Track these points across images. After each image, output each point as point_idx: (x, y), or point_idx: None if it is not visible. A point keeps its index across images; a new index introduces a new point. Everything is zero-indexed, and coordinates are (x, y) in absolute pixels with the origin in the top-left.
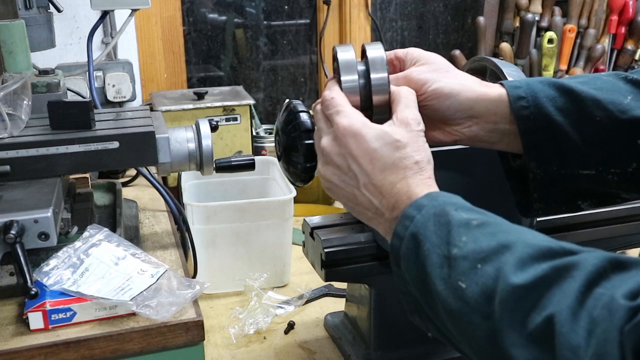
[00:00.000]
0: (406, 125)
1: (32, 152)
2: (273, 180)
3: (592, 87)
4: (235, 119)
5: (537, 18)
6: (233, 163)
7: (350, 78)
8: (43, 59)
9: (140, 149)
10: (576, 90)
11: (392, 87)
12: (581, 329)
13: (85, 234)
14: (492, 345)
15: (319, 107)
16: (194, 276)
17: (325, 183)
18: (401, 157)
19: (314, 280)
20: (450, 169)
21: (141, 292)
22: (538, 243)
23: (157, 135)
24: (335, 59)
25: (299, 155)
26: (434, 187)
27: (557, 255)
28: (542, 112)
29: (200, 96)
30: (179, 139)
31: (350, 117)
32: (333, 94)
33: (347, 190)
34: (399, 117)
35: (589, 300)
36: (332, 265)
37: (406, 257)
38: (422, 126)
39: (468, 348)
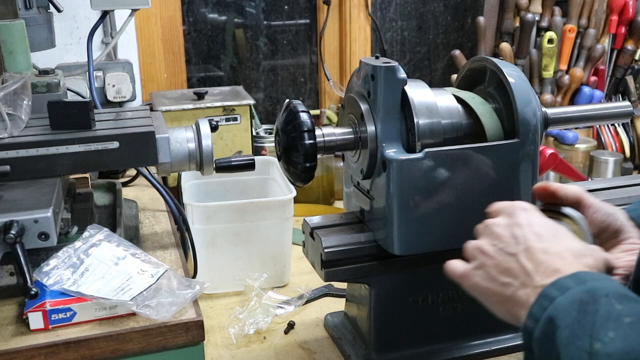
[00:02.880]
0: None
1: (32, 152)
2: (273, 180)
3: None
4: (235, 119)
5: (537, 18)
6: (233, 163)
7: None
8: (43, 59)
9: (140, 149)
10: None
11: None
12: None
13: (85, 234)
14: None
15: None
16: (194, 276)
17: (477, 256)
18: (569, 244)
19: (314, 280)
20: (451, 168)
21: (141, 292)
22: None
23: (157, 135)
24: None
25: (299, 155)
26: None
27: None
28: None
29: (200, 96)
30: (179, 139)
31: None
32: None
33: (499, 259)
34: None
35: None
36: (332, 265)
37: (540, 343)
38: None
39: None
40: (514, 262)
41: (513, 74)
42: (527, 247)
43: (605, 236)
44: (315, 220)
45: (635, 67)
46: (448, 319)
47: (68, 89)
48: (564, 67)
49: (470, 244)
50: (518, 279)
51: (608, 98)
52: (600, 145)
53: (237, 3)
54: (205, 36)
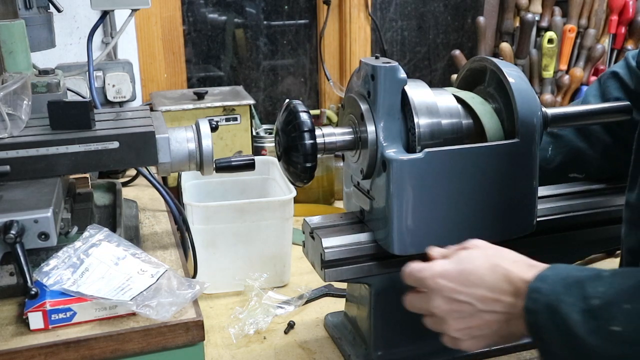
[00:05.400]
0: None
1: (32, 152)
2: (273, 180)
3: None
4: (235, 119)
5: (537, 18)
6: (233, 163)
7: None
8: (43, 59)
9: (140, 149)
10: None
11: None
12: None
13: (85, 234)
14: None
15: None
16: (194, 276)
17: (455, 334)
18: (492, 263)
19: (314, 280)
20: (451, 168)
21: (141, 292)
22: None
23: (157, 135)
24: None
25: (299, 155)
26: (541, 265)
27: None
28: None
29: (200, 96)
30: (179, 139)
31: (425, 266)
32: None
33: (473, 322)
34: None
35: None
36: (332, 265)
37: (546, 328)
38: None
39: None
40: (484, 315)
41: (513, 74)
42: (479, 298)
43: None
44: (315, 220)
45: None
46: None
47: (68, 89)
48: (564, 67)
49: (430, 321)
50: (501, 317)
51: None
52: None
53: (237, 3)
54: (205, 36)
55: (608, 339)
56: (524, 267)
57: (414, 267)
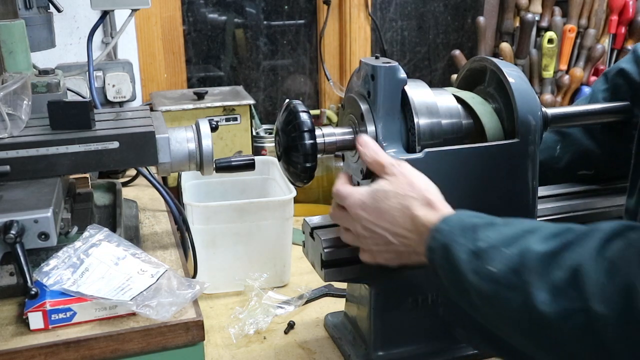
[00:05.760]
0: (385, 172)
1: (32, 152)
2: (273, 180)
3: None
4: (235, 119)
5: (537, 18)
6: (233, 163)
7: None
8: (43, 59)
9: (140, 149)
10: None
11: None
12: (604, 271)
13: (85, 234)
14: (527, 312)
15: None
16: (194, 276)
17: (371, 251)
18: (391, 203)
19: (314, 280)
20: (451, 168)
21: (141, 292)
22: (559, 225)
23: (157, 135)
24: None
25: (299, 155)
26: (448, 208)
27: (577, 228)
28: None
29: (200, 96)
30: (179, 139)
31: (348, 194)
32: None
33: (386, 248)
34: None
35: (607, 250)
36: (332, 265)
37: (440, 265)
38: (398, 161)
39: (507, 328)
40: (396, 246)
41: (513, 74)
42: (392, 234)
43: None
44: (315, 220)
45: None
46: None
47: (68, 89)
48: (564, 67)
49: (345, 236)
50: (409, 249)
51: None
52: None
53: (237, 3)
54: (205, 36)
55: (484, 277)
56: (429, 212)
57: (340, 191)
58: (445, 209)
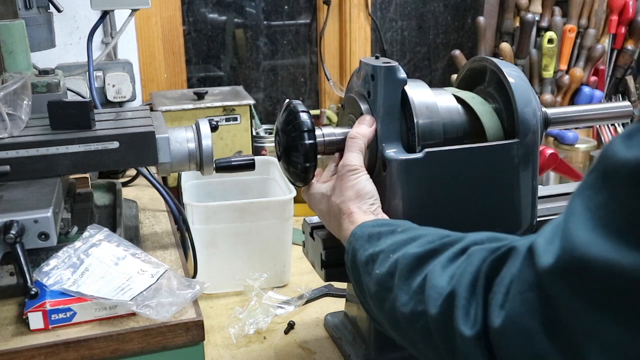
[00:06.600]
0: (336, 174)
1: (32, 152)
2: (273, 180)
3: None
4: (235, 119)
5: (537, 18)
6: (233, 163)
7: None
8: (43, 59)
9: (140, 149)
10: None
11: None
12: (446, 275)
13: (85, 234)
14: (395, 313)
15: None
16: (194, 276)
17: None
18: (330, 207)
19: (314, 280)
20: (451, 168)
21: (141, 292)
22: (441, 233)
23: (157, 135)
24: None
25: (299, 155)
26: (371, 216)
27: (451, 236)
28: None
29: (200, 96)
30: (179, 139)
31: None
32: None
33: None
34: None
35: (460, 258)
36: (332, 265)
37: (349, 266)
38: (350, 167)
39: (388, 327)
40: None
41: (513, 74)
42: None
43: None
44: (315, 220)
45: (634, 67)
46: None
47: (68, 89)
48: (564, 67)
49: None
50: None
51: (608, 98)
52: (600, 145)
53: (237, 3)
54: (205, 36)
55: (372, 280)
56: (349, 224)
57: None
58: (361, 219)
